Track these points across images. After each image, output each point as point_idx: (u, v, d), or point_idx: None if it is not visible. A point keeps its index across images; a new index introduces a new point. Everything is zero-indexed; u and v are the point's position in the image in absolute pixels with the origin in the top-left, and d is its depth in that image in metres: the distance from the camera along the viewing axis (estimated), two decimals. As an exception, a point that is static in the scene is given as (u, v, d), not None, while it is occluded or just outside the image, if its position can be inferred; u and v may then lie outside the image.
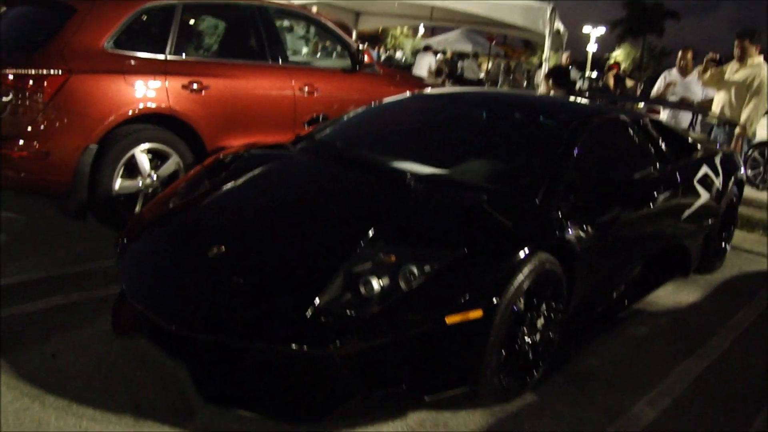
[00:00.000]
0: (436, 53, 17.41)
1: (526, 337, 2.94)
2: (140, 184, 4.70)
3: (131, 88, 4.57)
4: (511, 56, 16.72)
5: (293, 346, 2.38)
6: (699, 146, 4.84)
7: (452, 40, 24.96)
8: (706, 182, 4.54)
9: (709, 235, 4.80)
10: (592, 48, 23.98)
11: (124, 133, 4.59)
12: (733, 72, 6.32)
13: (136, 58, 4.66)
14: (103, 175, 4.51)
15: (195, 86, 4.86)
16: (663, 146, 4.33)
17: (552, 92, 11.32)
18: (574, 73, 16.23)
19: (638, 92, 12.57)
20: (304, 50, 7.55)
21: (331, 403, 2.46)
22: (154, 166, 4.77)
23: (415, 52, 22.31)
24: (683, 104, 6.79)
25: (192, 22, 5.21)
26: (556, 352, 3.19)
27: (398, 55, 22.96)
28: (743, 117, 6.17)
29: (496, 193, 3.14)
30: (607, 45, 29.54)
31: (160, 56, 4.79)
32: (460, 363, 2.67)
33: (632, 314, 4.08)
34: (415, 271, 2.55)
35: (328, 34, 6.28)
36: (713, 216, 4.75)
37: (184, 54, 4.94)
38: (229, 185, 3.35)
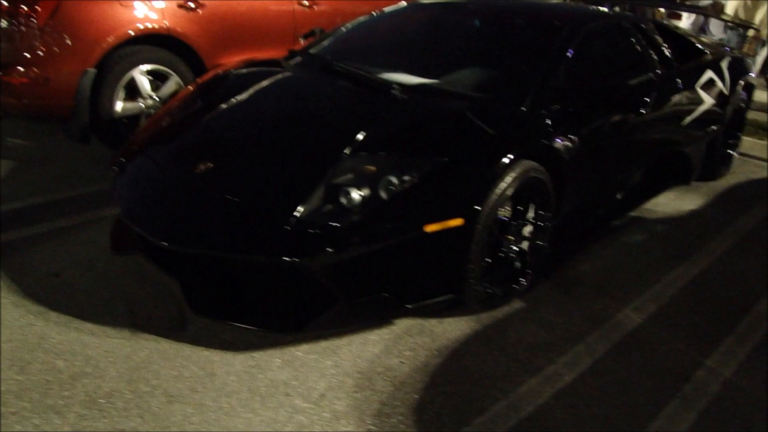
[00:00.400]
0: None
1: (512, 245, 2.98)
2: (142, 106, 4.74)
3: (126, 9, 4.55)
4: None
5: (275, 256, 2.45)
6: (706, 50, 4.70)
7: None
8: (709, 87, 4.45)
9: (714, 141, 4.74)
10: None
11: (122, 56, 4.60)
12: None
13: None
14: (103, 98, 4.56)
15: (191, 4, 4.82)
16: (665, 51, 4.23)
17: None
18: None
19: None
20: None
21: (314, 310, 2.55)
22: (155, 87, 4.79)
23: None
24: (694, 8, 6.54)
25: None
26: (546, 260, 3.24)
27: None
28: (758, 17, 5.97)
29: (481, 101, 3.14)
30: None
31: (154, -26, 4.73)
32: (443, 271, 2.73)
33: (630, 221, 4.11)
34: (395, 180, 2.58)
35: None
36: (717, 122, 4.67)
37: (178, -28, 4.87)
38: (219, 103, 3.37)
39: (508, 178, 2.78)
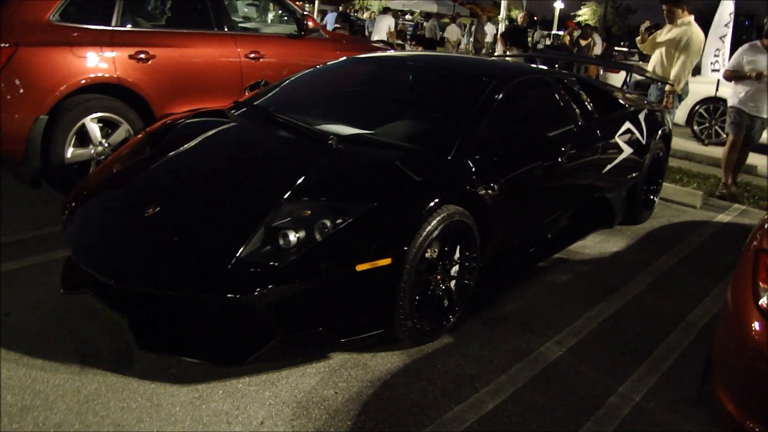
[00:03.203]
0: (396, 15, 17.41)
1: (440, 284, 3.22)
2: (92, 152, 4.88)
3: (78, 59, 4.73)
4: (480, 15, 16.81)
5: (217, 293, 2.65)
6: (625, 104, 5.10)
7: (417, 1, 24.93)
8: (628, 137, 4.82)
9: (634, 187, 5.10)
10: (559, 6, 24.06)
11: (74, 104, 4.76)
12: (664, 33, 6.60)
13: (82, 30, 4.81)
14: (55, 144, 4.70)
15: (142, 56, 5.03)
16: (587, 105, 4.59)
17: (507, 52, 11.54)
18: (537, 34, 16.41)
19: (593, 51, 12.81)
20: (258, 17, 7.67)
21: (255, 345, 2.72)
22: (105, 134, 4.95)
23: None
24: (620, 64, 6.99)
25: (137, -7, 5.33)
26: (472, 298, 3.48)
27: (365, 16, 22.87)
28: (672, 74, 6.44)
29: (410, 151, 3.40)
30: (574, 4, 29.57)
31: (107, 27, 4.94)
32: (373, 308, 2.95)
33: (556, 262, 4.39)
34: (329, 223, 2.81)
35: (273, 1, 6.43)
36: (637, 170, 5.05)
37: (130, 25, 5.09)
38: (167, 151, 3.57)
39: (434, 222, 3.03)
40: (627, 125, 4.84)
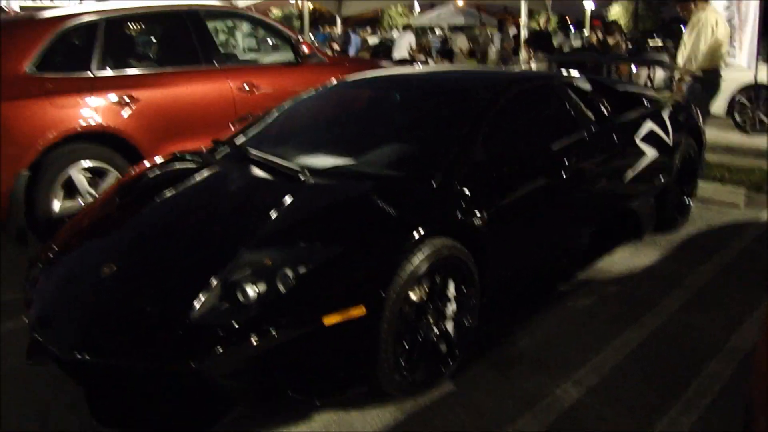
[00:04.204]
0: (425, 32, 17.17)
1: (433, 327, 2.83)
2: (81, 203, 4.66)
3: (58, 109, 4.56)
4: (506, 22, 16.42)
5: (167, 363, 2.36)
6: (646, 103, 4.64)
7: (445, 16, 24.67)
8: (651, 139, 4.36)
9: (664, 193, 4.62)
10: (589, 6, 23.40)
11: (58, 156, 4.58)
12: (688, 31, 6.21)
13: (60, 79, 4.64)
14: (40, 199, 4.52)
15: (126, 99, 4.81)
16: (602, 108, 4.16)
17: (532, 58, 11.11)
18: (560, 37, 15.92)
19: (624, 48, 12.20)
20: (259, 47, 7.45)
21: (214, 415, 2.41)
22: (94, 183, 4.74)
23: (416, 30, 22.14)
24: (647, 59, 6.58)
25: (117, 36, 5.12)
26: (479, 337, 3.09)
27: (394, 35, 22.73)
28: (680, 60, 6.04)
29: (390, 180, 3.05)
30: (605, 2, 28.75)
31: (86, 74, 4.74)
32: (351, 363, 2.58)
33: (577, 285, 3.95)
34: (290, 273, 2.46)
35: (265, 29, 6.18)
36: (665, 173, 4.57)
37: (110, 69, 4.89)
38: (133, 202, 3.31)
39: (417, 260, 2.66)
40: (649, 126, 4.38)
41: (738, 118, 9.33)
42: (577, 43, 17.32)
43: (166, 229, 2.96)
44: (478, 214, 2.97)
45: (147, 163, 3.83)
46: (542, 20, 11.53)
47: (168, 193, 3.26)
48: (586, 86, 4.25)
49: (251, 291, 2.44)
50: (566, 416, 2.74)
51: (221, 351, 2.31)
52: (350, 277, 2.53)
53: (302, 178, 3.04)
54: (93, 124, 4.67)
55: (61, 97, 4.56)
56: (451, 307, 2.92)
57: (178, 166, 3.61)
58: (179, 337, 2.37)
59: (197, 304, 2.42)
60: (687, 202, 5.02)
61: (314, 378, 2.53)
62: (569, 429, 2.66)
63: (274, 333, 2.38)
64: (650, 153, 4.33)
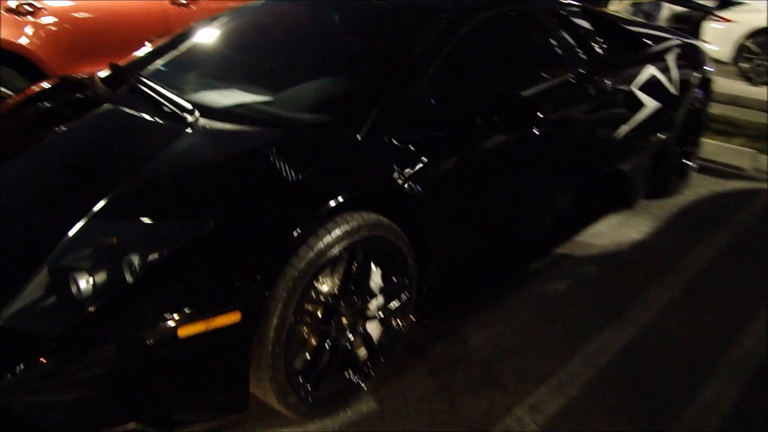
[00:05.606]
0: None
1: (347, 329, 2.12)
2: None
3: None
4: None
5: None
6: (647, 42, 3.82)
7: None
8: (651, 87, 3.57)
9: (662, 152, 3.86)
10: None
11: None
12: None
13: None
14: None
15: (27, 8, 3.97)
16: (594, 46, 3.36)
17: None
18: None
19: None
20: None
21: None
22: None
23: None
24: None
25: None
26: (419, 331, 2.40)
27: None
28: None
29: (299, 128, 2.28)
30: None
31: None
32: (220, 386, 1.86)
33: (551, 263, 3.23)
34: (136, 260, 1.72)
35: None
36: (665, 129, 3.79)
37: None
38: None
39: (323, 243, 1.92)
40: (650, 71, 3.58)
41: (745, 65, 8.48)
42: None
43: (10, 191, 2.18)
44: (417, 177, 2.22)
45: (29, 90, 3.03)
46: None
47: (27, 139, 2.50)
48: (580, 17, 3.44)
49: (83, 283, 1.72)
50: (515, 459, 2.05)
51: (23, 369, 1.59)
52: (222, 269, 1.78)
53: (189, 120, 2.26)
54: (-17, 37, 3.85)
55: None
56: (375, 302, 2.20)
57: (53, 98, 2.81)
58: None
59: (13, 299, 1.71)
60: (687, 164, 4.26)
61: (172, 405, 1.82)
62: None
63: (102, 346, 1.66)
64: (650, 104, 3.55)
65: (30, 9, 4.00)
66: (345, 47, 2.88)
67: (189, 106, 2.31)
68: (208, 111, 2.33)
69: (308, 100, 2.50)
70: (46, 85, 3.04)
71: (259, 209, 1.89)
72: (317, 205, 1.93)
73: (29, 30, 4.01)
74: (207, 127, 2.25)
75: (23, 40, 3.99)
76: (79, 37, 4.20)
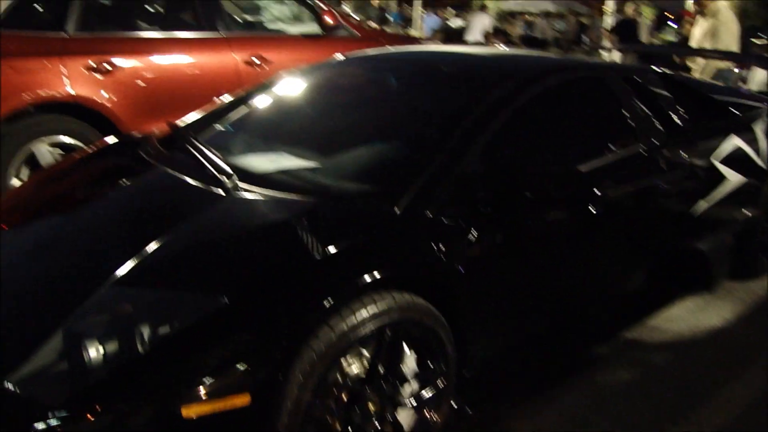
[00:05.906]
0: (514, 16, 16.18)
1: (373, 417, 1.97)
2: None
3: (20, 75, 3.90)
4: (593, 10, 15.16)
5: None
6: (731, 110, 3.57)
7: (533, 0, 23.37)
8: (737, 159, 3.31)
9: (749, 230, 3.55)
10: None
11: (18, 128, 3.96)
12: (700, 26, 6.21)
13: (26, 39, 3.98)
14: (-4, 177, 3.91)
15: (105, 66, 4.13)
16: (673, 115, 3.15)
17: (613, 48, 9.88)
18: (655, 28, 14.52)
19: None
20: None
21: None
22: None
23: (500, 15, 21.01)
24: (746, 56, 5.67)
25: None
26: (461, 423, 2.23)
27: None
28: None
29: (336, 199, 2.18)
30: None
31: (60, 34, 4.08)
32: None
33: (618, 351, 2.97)
34: (147, 332, 1.66)
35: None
36: (752, 205, 3.50)
37: (90, 30, 4.20)
38: (31, 204, 2.58)
39: (345, 325, 1.80)
40: (734, 141, 3.33)
41: None
42: (669, 36, 15.79)
43: (44, 248, 2.18)
44: (463, 254, 2.08)
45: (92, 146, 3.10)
46: (630, 8, 10.23)
47: (71, 197, 2.53)
48: (657, 83, 3.24)
49: (94, 350, 1.67)
50: None
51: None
52: (233, 347, 1.69)
53: (227, 185, 2.22)
54: (61, 93, 4.03)
55: (24, 60, 3.93)
56: (408, 389, 2.04)
57: (105, 156, 2.86)
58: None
59: (24, 362, 1.67)
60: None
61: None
62: None
63: (107, 416, 1.59)
64: (733, 178, 3.29)
65: (109, 68, 4.15)
66: (401, 113, 2.80)
67: (229, 170, 2.27)
68: (247, 176, 2.28)
69: (353, 168, 2.43)
70: (109, 140, 3.10)
71: (278, 285, 1.80)
72: (342, 283, 1.81)
73: (106, 87, 4.15)
74: (242, 193, 2.20)
75: (100, 97, 4.12)
76: (151, 95, 4.32)
